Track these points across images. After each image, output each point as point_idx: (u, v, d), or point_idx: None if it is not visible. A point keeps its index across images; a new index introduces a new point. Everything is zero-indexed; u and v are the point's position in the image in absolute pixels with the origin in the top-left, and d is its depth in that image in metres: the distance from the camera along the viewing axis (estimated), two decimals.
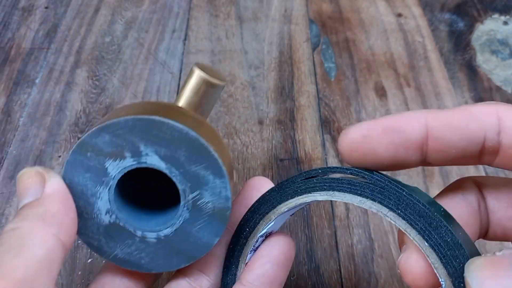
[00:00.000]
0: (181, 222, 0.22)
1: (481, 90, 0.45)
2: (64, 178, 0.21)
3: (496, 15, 0.53)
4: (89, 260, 0.33)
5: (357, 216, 0.36)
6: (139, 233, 0.22)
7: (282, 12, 0.53)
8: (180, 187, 0.21)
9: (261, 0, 0.54)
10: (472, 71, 0.47)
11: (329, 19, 0.53)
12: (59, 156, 0.39)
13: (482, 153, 0.19)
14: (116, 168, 0.21)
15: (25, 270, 0.17)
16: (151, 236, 0.22)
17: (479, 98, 0.45)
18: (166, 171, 0.21)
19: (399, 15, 0.53)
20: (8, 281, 0.16)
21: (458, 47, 0.50)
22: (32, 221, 0.18)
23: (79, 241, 0.34)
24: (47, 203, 0.19)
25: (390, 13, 0.53)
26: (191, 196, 0.21)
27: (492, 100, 0.44)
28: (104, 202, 0.22)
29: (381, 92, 0.45)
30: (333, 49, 0.49)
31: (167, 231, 0.22)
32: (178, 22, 0.52)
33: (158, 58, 0.48)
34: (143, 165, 0.21)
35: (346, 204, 0.36)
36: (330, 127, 0.42)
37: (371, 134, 0.19)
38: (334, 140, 0.41)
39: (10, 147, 0.40)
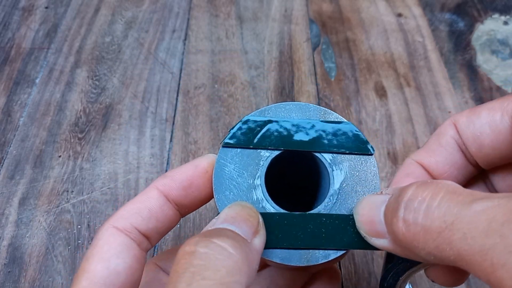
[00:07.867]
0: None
1: (481, 90, 0.45)
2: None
3: (496, 15, 0.53)
4: None
5: None
6: None
7: (282, 12, 0.53)
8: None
9: (261, 0, 0.54)
10: (472, 71, 0.47)
11: (329, 19, 0.53)
12: (59, 156, 0.39)
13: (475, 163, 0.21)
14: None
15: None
16: None
17: (479, 98, 0.45)
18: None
19: (399, 15, 0.53)
20: None
21: (458, 47, 0.50)
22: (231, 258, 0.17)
23: (79, 241, 0.34)
24: (251, 255, 0.18)
25: (390, 13, 0.53)
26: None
27: (492, 100, 0.44)
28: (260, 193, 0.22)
29: (381, 92, 0.45)
30: (333, 49, 0.49)
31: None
32: (178, 22, 0.52)
33: (158, 58, 0.48)
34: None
35: None
36: None
37: None
38: None
39: (10, 147, 0.40)
